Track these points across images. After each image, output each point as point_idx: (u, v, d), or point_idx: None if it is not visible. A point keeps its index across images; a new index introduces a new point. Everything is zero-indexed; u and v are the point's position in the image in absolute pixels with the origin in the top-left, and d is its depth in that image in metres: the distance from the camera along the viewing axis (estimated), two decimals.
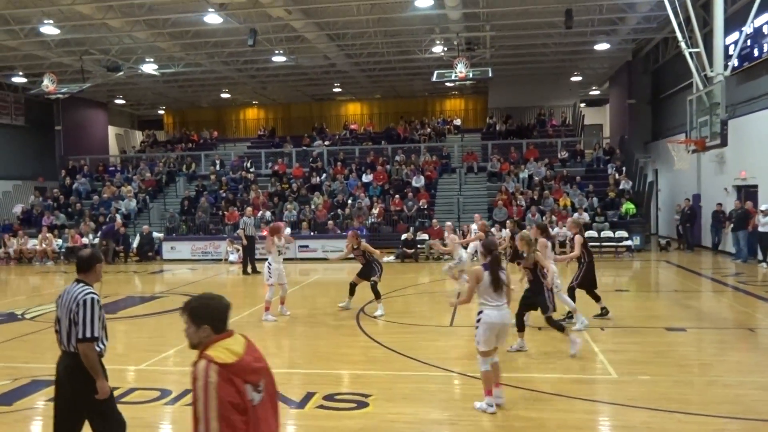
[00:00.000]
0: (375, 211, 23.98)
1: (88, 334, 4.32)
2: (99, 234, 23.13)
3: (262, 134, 35.01)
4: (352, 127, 33.88)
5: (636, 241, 21.45)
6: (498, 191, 24.37)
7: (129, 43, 23.55)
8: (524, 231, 9.23)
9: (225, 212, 24.63)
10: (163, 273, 19.63)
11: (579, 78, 32.32)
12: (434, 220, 22.41)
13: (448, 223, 15.29)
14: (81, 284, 4.47)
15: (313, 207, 24.46)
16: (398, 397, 6.84)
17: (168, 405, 6.76)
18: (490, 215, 23.19)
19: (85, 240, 23.19)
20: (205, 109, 39.48)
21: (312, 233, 22.84)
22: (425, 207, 24.20)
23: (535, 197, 23.63)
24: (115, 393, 7.02)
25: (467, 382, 7.35)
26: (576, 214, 21.71)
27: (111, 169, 31.04)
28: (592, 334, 9.65)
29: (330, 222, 22.90)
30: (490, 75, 23.24)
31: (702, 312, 11.71)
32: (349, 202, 24.85)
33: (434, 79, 23.48)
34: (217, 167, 29.18)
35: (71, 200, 27.09)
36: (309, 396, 6.88)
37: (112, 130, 37.82)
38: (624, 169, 25.05)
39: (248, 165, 29.03)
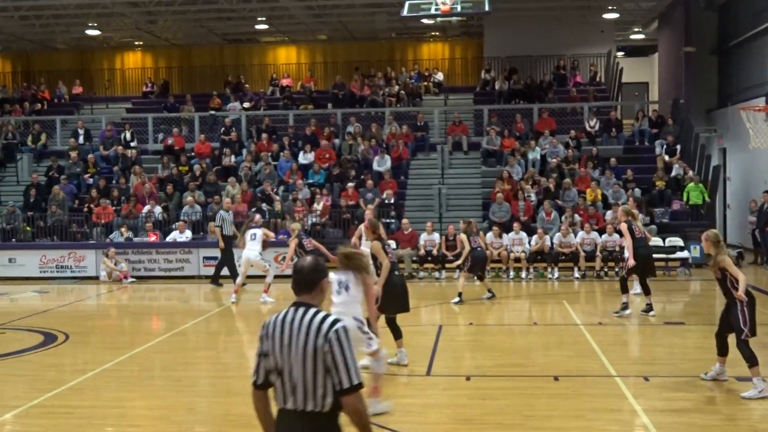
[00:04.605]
0: (318, 206, 23.89)
1: (356, 380, 4.27)
2: None
3: (149, 91, 34.50)
4: (284, 82, 33.64)
5: (695, 251, 21.82)
6: (498, 178, 24.56)
7: None
8: (711, 230, 10.26)
9: (93, 207, 24.23)
10: None
11: (615, 15, 32.75)
12: (404, 220, 22.42)
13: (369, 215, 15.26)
14: (312, 309, 4.43)
15: (227, 200, 24.24)
16: None
17: None
18: (486, 213, 23.34)
19: None
20: (63, 53, 38.73)
21: None
22: (392, 201, 24.23)
23: (551, 187, 23.92)
24: None
25: None
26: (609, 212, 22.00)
27: None
28: (632, 385, 9.82)
29: None
30: (488, 9, 23.35)
31: None
32: (280, 193, 24.71)
33: (405, 13, 23.47)
34: (81, 140, 28.65)
35: None
36: None
37: None
38: (678, 147, 25.52)
39: (128, 137, 28.60)
